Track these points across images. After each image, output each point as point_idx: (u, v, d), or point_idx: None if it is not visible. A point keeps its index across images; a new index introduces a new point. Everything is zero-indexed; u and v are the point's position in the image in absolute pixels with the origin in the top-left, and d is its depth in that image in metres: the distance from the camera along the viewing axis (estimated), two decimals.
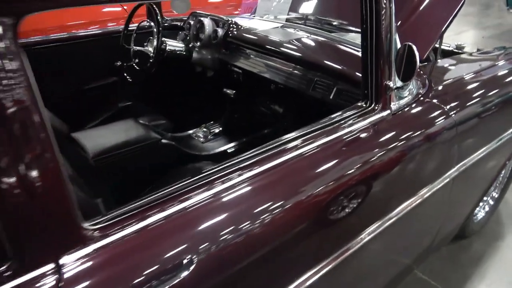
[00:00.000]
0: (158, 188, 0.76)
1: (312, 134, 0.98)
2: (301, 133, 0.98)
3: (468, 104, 1.34)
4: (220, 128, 2.31)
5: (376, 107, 1.11)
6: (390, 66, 1.08)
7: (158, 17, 1.89)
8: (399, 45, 1.09)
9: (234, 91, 2.13)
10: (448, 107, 1.26)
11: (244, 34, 1.90)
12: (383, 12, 1.02)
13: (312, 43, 1.69)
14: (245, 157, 0.88)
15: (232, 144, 2.15)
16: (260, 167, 0.86)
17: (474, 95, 1.40)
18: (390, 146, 1.07)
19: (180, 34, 2.30)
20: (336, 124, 1.04)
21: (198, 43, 2.06)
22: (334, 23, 1.83)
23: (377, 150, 1.04)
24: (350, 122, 1.05)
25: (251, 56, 1.86)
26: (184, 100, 2.42)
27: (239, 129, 2.23)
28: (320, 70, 1.50)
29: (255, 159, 0.87)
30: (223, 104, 2.32)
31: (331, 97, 1.44)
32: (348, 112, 1.09)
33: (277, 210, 0.82)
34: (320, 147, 0.96)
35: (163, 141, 1.73)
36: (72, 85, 2.07)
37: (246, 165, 0.85)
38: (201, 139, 2.22)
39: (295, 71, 1.63)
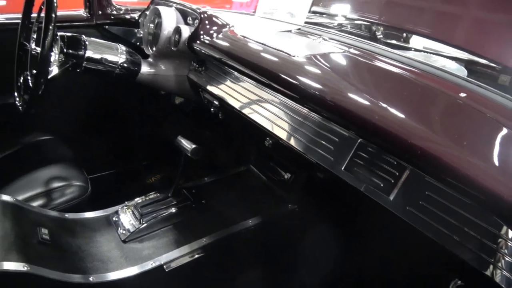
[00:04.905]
0: None
1: None
2: None
3: None
4: (170, 210, 1.17)
5: None
6: None
7: None
8: None
9: (192, 147, 1.09)
10: None
11: (225, 40, 1.16)
12: None
13: (353, 68, 0.95)
14: None
15: (182, 251, 1.05)
16: None
17: None
18: None
19: (137, 33, 1.54)
20: None
21: (153, 50, 1.33)
22: (397, 34, 1.06)
23: None
24: None
25: (239, 80, 1.12)
26: (117, 144, 1.74)
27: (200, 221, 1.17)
28: (371, 127, 0.73)
29: None
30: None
31: (391, 196, 0.69)
32: None
33: None
34: None
35: None
36: None
37: None
38: (126, 229, 1.09)
39: (316, 120, 0.87)
